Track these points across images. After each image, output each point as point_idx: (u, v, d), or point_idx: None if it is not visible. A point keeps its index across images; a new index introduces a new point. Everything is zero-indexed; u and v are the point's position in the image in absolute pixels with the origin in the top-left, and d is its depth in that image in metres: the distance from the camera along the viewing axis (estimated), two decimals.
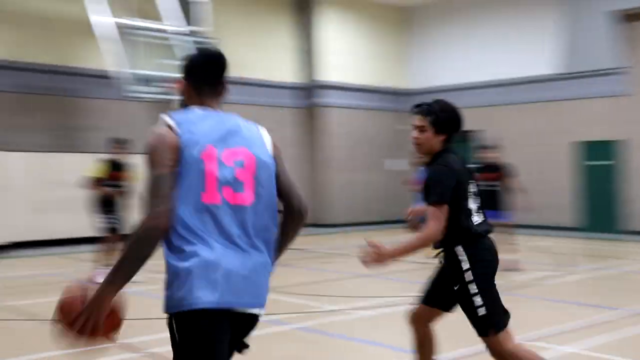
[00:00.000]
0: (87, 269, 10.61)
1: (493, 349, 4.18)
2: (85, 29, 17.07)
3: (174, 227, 2.77)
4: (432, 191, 4.20)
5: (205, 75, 3.04)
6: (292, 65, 21.22)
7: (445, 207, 4.15)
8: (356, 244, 15.32)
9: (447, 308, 4.42)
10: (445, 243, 4.28)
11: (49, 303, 5.29)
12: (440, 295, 4.40)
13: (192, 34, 16.64)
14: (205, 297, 2.71)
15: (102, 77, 16.60)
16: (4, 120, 16.06)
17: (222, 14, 19.27)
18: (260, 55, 20.33)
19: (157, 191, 2.76)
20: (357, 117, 21.54)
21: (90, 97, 17.35)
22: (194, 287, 2.70)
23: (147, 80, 15.44)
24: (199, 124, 2.88)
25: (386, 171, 21.88)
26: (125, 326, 2.88)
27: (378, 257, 4.10)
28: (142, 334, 6.89)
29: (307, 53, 21.20)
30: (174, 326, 2.76)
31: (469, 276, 4.17)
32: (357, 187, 21.40)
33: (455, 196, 4.19)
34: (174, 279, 2.74)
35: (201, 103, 3.02)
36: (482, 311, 4.14)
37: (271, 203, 2.96)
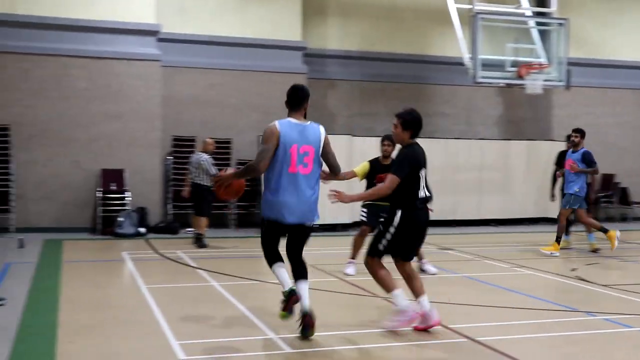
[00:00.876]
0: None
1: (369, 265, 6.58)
2: (435, 17, 17.73)
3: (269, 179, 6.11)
4: (396, 166, 6.38)
5: (292, 102, 6.32)
6: None
7: (397, 179, 6.26)
8: None
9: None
10: (392, 202, 6.45)
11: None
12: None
13: (538, 15, 16.11)
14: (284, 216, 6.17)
15: (453, 63, 17.04)
16: (356, 106, 17.39)
17: None
18: (613, 33, 19.05)
19: (263, 155, 6.05)
20: None
21: (441, 84, 17.99)
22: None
23: (497, 65, 15.31)
24: (290, 130, 6.10)
25: None
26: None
27: (340, 197, 6.26)
28: (465, 321, 6.97)
29: None
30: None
31: (393, 226, 6.38)
32: None
33: (411, 174, 6.32)
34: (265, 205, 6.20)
35: (292, 117, 6.25)
36: (380, 245, 6.47)
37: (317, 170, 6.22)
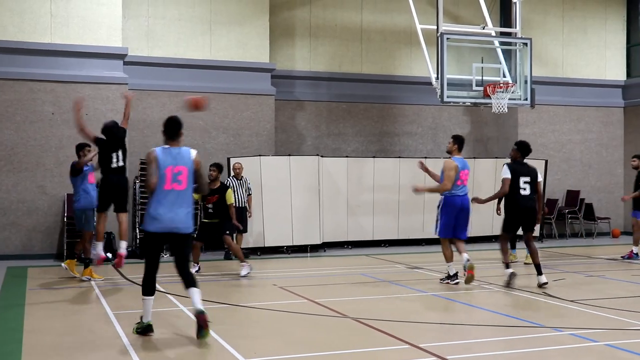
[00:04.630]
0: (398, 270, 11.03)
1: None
2: (401, 38, 17.97)
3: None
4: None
5: (168, 130, 7.18)
6: (614, 61, 19.92)
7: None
8: None
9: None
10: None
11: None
12: None
13: (502, 35, 16.38)
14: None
15: (420, 83, 17.25)
16: (324, 127, 17.50)
17: (538, 14, 18.88)
18: (576, 52, 19.47)
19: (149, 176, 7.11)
20: None
21: (408, 104, 18.19)
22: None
23: (464, 85, 15.49)
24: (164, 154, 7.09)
25: None
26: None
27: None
28: (434, 340, 7.01)
29: (635, 47, 19.73)
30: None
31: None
32: None
33: None
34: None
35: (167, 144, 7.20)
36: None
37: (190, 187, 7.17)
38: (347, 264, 13.24)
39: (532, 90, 15.45)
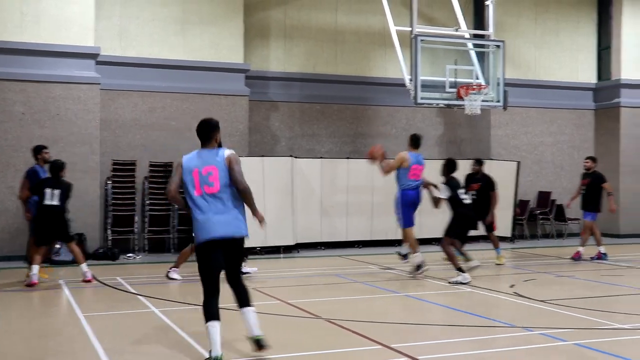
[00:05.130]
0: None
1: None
2: (376, 39, 18.03)
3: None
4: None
5: (199, 133, 6.54)
6: (586, 64, 20.15)
7: None
8: None
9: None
10: None
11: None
12: None
13: (476, 37, 16.49)
14: None
15: (393, 85, 17.28)
16: (297, 128, 17.48)
17: (511, 16, 19.04)
18: (549, 55, 19.67)
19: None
20: None
21: (382, 105, 18.24)
22: None
23: (437, 87, 15.55)
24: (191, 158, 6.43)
25: None
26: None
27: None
28: (405, 340, 7.03)
29: (605, 50, 19.98)
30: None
31: None
32: None
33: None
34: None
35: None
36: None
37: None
38: (321, 265, 13.24)
39: (505, 92, 15.56)
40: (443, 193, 11.37)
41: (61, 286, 10.79)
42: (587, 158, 14.68)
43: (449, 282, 10.82)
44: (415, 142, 11.92)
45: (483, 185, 13.36)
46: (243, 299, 6.40)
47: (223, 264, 6.32)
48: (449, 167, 11.53)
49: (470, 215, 11.61)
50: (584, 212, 14.27)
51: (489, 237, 13.64)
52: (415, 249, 11.60)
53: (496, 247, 13.46)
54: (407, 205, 11.58)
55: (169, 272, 11.46)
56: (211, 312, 6.17)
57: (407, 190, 11.59)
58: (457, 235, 11.47)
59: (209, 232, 6.21)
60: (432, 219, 14.34)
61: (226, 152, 6.42)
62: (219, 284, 6.30)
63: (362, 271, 12.38)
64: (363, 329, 7.48)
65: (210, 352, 6.03)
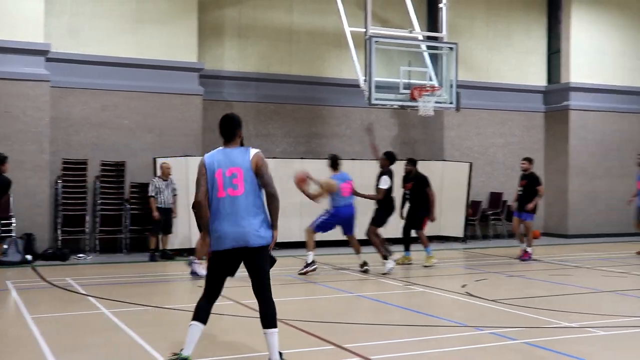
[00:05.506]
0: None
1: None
2: (330, 39, 18.06)
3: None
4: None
5: (221, 130, 6.13)
6: (536, 67, 20.54)
7: None
8: (596, 257, 14.51)
9: None
10: None
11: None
12: None
13: (429, 39, 16.65)
14: None
15: (348, 85, 17.33)
16: (252, 128, 17.40)
17: (464, 19, 19.27)
18: (500, 57, 19.98)
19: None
20: (610, 120, 20.19)
21: (336, 106, 18.27)
22: None
23: (391, 88, 15.66)
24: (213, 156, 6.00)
25: None
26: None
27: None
28: (359, 340, 7.06)
29: (555, 54, 20.39)
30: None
31: None
32: (604, 196, 20.06)
33: None
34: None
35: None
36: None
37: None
38: (275, 265, 13.20)
39: (458, 94, 15.75)
40: (384, 183, 12.40)
41: (8, 287, 10.54)
42: (524, 159, 14.73)
43: (383, 274, 11.49)
44: (333, 163, 12.32)
45: (416, 184, 13.39)
46: (265, 319, 5.86)
47: (233, 271, 6.01)
48: (389, 158, 12.64)
49: (394, 207, 12.69)
50: (521, 213, 14.31)
51: (418, 236, 13.44)
52: (310, 249, 11.96)
53: (425, 246, 13.26)
54: (333, 221, 12.09)
55: (193, 266, 11.55)
56: (199, 312, 5.89)
57: (339, 209, 12.02)
58: (382, 224, 12.51)
59: (223, 243, 5.79)
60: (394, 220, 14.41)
61: (252, 152, 5.92)
62: (219, 290, 6.02)
63: (316, 271, 12.38)
64: (316, 329, 7.48)
65: (182, 349, 5.84)
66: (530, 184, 14.27)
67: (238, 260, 5.93)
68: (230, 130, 6.06)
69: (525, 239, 14.32)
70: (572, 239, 19.11)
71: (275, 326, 5.83)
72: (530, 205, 14.09)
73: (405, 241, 13.61)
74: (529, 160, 14.63)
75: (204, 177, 5.86)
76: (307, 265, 11.86)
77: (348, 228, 12.20)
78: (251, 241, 5.78)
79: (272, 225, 5.90)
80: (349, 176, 12.27)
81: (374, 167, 13.44)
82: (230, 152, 5.94)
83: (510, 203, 15.13)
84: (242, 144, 6.07)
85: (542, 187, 14.37)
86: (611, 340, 7.30)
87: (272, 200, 5.87)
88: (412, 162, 13.82)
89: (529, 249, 14.25)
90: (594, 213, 19.93)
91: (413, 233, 13.54)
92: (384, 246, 12.35)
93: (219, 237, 5.80)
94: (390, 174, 12.56)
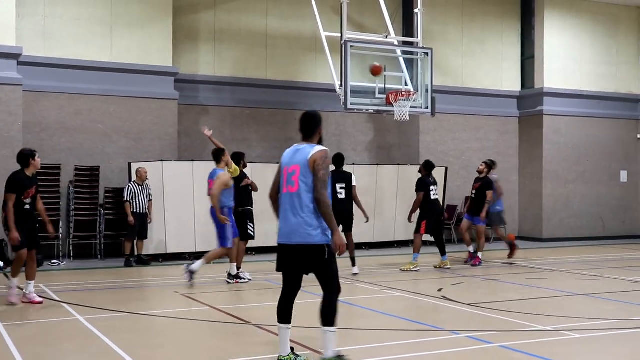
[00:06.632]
0: None
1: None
2: (306, 44, 18.07)
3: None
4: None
5: (301, 127, 6.14)
6: (510, 73, 20.72)
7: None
8: (570, 260, 14.64)
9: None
10: None
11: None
12: None
13: (405, 44, 16.72)
14: None
15: (324, 90, 17.35)
16: (227, 132, 17.34)
17: (439, 24, 19.38)
18: (475, 63, 20.14)
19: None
20: (582, 125, 20.44)
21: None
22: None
23: (367, 93, 15.70)
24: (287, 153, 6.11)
25: (621, 184, 20.72)
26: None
27: None
28: (336, 346, 7.06)
29: (529, 60, 20.60)
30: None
31: None
32: (577, 200, 20.31)
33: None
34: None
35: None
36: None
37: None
38: (251, 270, 13.14)
39: (433, 99, 15.83)
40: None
41: None
42: (483, 162, 14.61)
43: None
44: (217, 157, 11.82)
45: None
46: (321, 316, 6.04)
47: (295, 267, 6.07)
48: (336, 161, 12.60)
49: (341, 210, 11.68)
50: (474, 217, 14.25)
51: (414, 238, 13.52)
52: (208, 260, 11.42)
53: (414, 252, 13.28)
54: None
55: (237, 274, 11.67)
56: (280, 313, 6.16)
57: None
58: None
59: (280, 236, 6.03)
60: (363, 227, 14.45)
61: (313, 150, 5.91)
62: (293, 286, 6.19)
63: None
64: (292, 335, 7.44)
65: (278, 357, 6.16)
66: (482, 188, 14.08)
67: (298, 258, 5.97)
68: (309, 128, 6.10)
69: (473, 244, 14.31)
70: (546, 243, 19.28)
71: (325, 324, 6.00)
72: (482, 215, 13.99)
73: (438, 245, 13.65)
74: (487, 163, 14.44)
75: (278, 174, 6.13)
76: (234, 276, 11.72)
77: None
78: (297, 239, 5.88)
79: (331, 228, 5.87)
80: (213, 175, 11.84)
81: (350, 170, 13.42)
82: (299, 149, 6.02)
83: (462, 210, 15.07)
84: (320, 143, 6.11)
85: (491, 193, 14.03)
86: (586, 342, 7.37)
87: (318, 205, 5.83)
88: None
89: (479, 254, 14.18)
90: (567, 217, 20.16)
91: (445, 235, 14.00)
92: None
93: (278, 231, 6.02)
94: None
